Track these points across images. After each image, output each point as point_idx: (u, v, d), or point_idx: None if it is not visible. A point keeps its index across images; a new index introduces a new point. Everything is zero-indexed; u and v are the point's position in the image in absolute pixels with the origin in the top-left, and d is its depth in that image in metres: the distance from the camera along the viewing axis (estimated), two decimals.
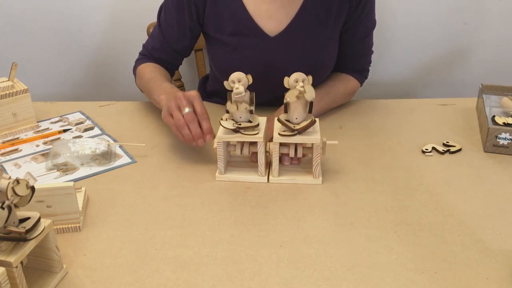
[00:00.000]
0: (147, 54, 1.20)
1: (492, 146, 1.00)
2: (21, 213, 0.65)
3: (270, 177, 0.91)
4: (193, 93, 0.93)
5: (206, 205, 0.86)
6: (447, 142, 1.03)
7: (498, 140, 0.99)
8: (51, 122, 1.16)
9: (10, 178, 0.63)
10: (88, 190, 0.88)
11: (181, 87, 1.56)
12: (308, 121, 0.87)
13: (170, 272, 0.71)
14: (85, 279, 0.70)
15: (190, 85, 1.66)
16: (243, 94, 0.85)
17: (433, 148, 1.02)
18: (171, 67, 1.21)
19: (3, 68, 1.18)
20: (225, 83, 0.87)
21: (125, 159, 1.00)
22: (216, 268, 0.71)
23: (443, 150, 1.01)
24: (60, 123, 1.16)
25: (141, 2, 1.56)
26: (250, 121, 0.90)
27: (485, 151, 1.01)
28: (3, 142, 1.06)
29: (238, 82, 0.86)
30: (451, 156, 1.00)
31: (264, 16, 1.09)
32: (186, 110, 0.90)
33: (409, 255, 0.73)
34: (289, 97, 0.85)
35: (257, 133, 0.88)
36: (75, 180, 0.93)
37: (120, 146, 1.04)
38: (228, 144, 0.92)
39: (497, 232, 0.78)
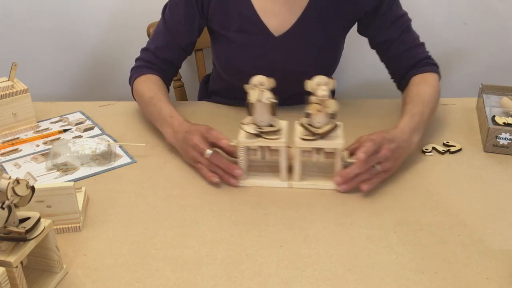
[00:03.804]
0: (148, 58, 1.16)
1: (492, 146, 1.00)
2: (21, 213, 0.65)
3: (292, 182, 0.89)
4: (203, 129, 0.92)
5: (206, 205, 0.85)
6: (447, 142, 1.03)
7: (498, 140, 0.99)
8: (51, 122, 1.16)
9: (10, 178, 0.63)
10: (88, 190, 0.88)
11: (181, 87, 1.56)
12: (331, 125, 0.85)
13: (170, 272, 0.71)
14: (85, 279, 0.70)
15: (190, 85, 1.66)
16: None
17: (433, 148, 1.02)
18: (173, 70, 1.19)
19: (3, 68, 1.18)
20: (247, 87, 0.85)
21: (125, 159, 1.00)
22: (216, 268, 0.71)
23: (443, 150, 1.01)
24: (60, 123, 1.16)
25: (141, 2, 1.56)
26: (272, 125, 0.87)
27: (485, 151, 1.01)
28: (3, 142, 1.06)
29: (260, 85, 0.83)
30: (451, 156, 1.00)
31: (270, 14, 1.09)
32: (208, 152, 0.88)
33: (409, 255, 0.73)
34: (310, 110, 0.83)
35: (280, 138, 0.86)
36: (75, 180, 0.93)
37: (120, 146, 1.04)
38: (248, 148, 0.89)
39: (497, 232, 0.78)
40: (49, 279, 0.69)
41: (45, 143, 1.06)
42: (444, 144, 1.03)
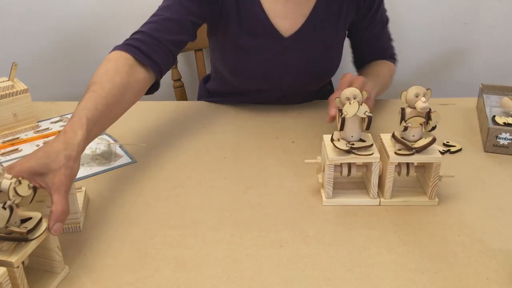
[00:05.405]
0: (139, 36, 1.01)
1: (492, 146, 1.00)
2: (22, 213, 0.65)
3: (382, 199, 0.85)
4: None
5: (206, 205, 0.86)
6: (447, 142, 1.03)
7: (498, 140, 0.99)
8: (51, 122, 1.16)
9: (12, 178, 0.63)
10: (88, 190, 0.88)
11: (181, 87, 1.57)
12: (429, 139, 0.81)
13: (170, 272, 0.71)
14: (85, 279, 0.70)
15: (190, 85, 1.66)
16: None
17: None
18: (171, 53, 1.01)
19: (3, 68, 1.18)
20: (337, 100, 0.81)
21: (125, 159, 1.00)
22: (216, 268, 0.71)
23: (443, 150, 1.01)
24: (60, 123, 1.16)
25: (142, 4, 1.56)
26: (362, 140, 0.83)
27: (485, 151, 1.01)
28: (3, 142, 1.07)
29: (354, 98, 0.79)
30: (451, 156, 1.00)
31: (279, 16, 1.09)
32: None
33: (409, 255, 0.73)
34: (411, 123, 0.80)
35: (372, 153, 0.81)
36: (75, 180, 0.92)
37: (120, 146, 1.04)
38: (334, 165, 0.83)
39: (497, 232, 0.78)
40: (50, 279, 0.68)
41: (45, 143, 1.06)
42: (444, 144, 1.03)
